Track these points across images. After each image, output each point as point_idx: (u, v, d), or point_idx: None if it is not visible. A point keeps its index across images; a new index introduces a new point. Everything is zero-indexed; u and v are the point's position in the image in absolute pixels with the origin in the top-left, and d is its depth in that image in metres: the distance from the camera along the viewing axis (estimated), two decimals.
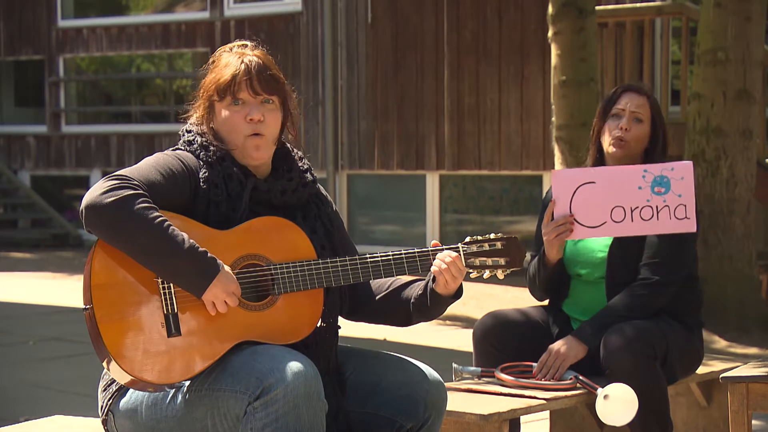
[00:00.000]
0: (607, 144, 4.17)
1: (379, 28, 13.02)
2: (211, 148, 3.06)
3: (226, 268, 2.91)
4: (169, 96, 15.86)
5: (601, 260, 4.12)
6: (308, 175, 3.18)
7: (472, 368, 4.07)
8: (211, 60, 3.17)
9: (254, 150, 3.05)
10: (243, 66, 3.05)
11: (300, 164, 3.18)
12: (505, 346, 4.12)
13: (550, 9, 8.52)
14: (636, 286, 4.05)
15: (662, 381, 3.96)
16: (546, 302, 4.32)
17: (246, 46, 3.14)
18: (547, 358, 4.01)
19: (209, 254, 2.88)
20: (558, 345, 4.02)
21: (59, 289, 10.91)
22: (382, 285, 3.24)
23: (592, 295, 4.16)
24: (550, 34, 8.56)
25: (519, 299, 9.43)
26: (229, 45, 3.17)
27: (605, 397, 3.75)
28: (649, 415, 3.89)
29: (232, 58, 3.08)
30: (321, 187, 3.26)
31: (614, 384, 3.77)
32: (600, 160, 4.21)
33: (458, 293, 3.13)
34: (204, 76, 3.15)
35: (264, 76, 3.06)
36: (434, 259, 3.10)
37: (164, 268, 2.86)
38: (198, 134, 3.10)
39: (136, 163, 3.01)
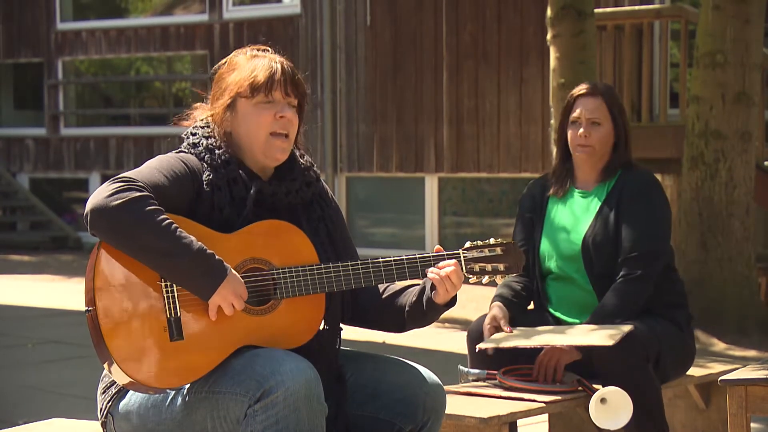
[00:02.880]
0: (572, 149, 4.27)
1: (378, 30, 13.03)
2: (217, 151, 3.05)
3: (233, 271, 2.91)
4: (168, 98, 15.86)
5: (575, 254, 4.15)
6: (311, 173, 3.18)
7: (477, 371, 4.07)
8: (224, 62, 3.14)
9: (280, 152, 3.06)
10: (279, 67, 3.06)
11: (302, 162, 3.18)
12: (497, 331, 4.14)
13: (549, 11, 8.52)
14: (621, 285, 4.08)
15: (656, 383, 3.97)
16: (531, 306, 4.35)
17: (267, 50, 3.14)
18: (542, 359, 4.02)
19: (217, 257, 2.88)
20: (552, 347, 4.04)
21: (58, 292, 10.90)
22: (377, 292, 3.24)
23: (570, 292, 4.20)
24: (549, 36, 8.56)
25: None
26: (245, 49, 3.16)
27: (601, 400, 3.75)
28: (644, 417, 3.89)
29: (261, 60, 3.08)
30: (326, 186, 3.26)
31: (609, 387, 3.77)
32: (566, 158, 4.27)
33: (452, 301, 3.13)
34: (217, 78, 3.12)
35: (295, 79, 3.09)
36: (435, 264, 3.10)
37: (172, 271, 2.86)
38: (204, 137, 3.09)
39: (136, 166, 3.01)
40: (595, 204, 4.21)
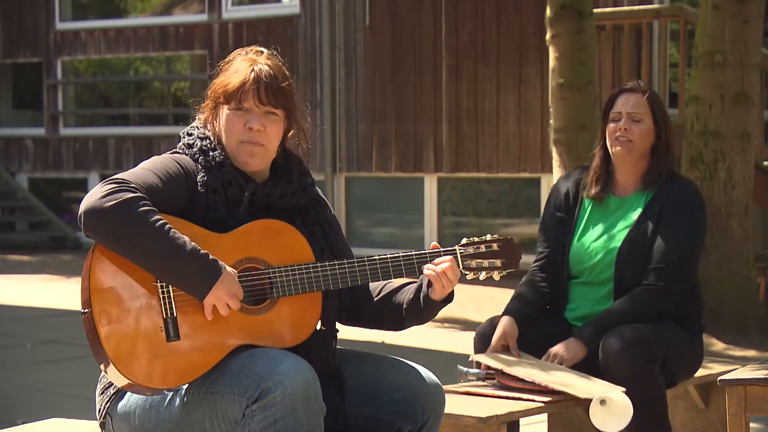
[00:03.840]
0: (610, 145, 4.19)
1: (377, 30, 13.02)
2: (211, 153, 3.05)
3: (229, 269, 2.90)
4: (167, 98, 15.85)
5: (609, 261, 4.13)
6: (307, 178, 3.18)
7: (477, 370, 4.08)
8: (225, 61, 3.15)
9: (248, 156, 3.05)
10: (253, 74, 3.03)
11: (299, 168, 3.18)
12: (505, 350, 4.13)
13: (548, 12, 8.52)
14: (640, 292, 4.05)
15: (661, 384, 3.96)
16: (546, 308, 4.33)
17: (261, 53, 3.12)
18: (547, 360, 4.02)
19: (211, 257, 2.88)
20: (557, 348, 4.03)
21: (57, 292, 10.90)
22: (373, 290, 3.24)
23: (594, 299, 4.17)
24: (548, 36, 8.56)
25: None
26: (246, 49, 3.15)
27: (602, 402, 3.74)
28: (647, 418, 3.89)
29: (244, 64, 3.07)
30: (319, 190, 3.26)
31: (611, 389, 3.77)
32: (606, 160, 4.23)
33: (449, 297, 3.13)
34: (216, 76, 3.13)
35: (272, 87, 3.04)
36: (431, 260, 3.10)
37: (166, 271, 2.86)
38: (199, 138, 3.09)
39: (135, 166, 3.01)
40: (633, 213, 4.16)
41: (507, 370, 3.93)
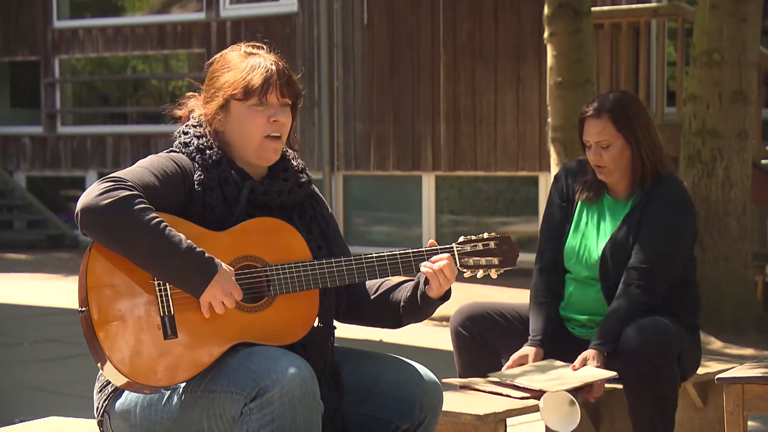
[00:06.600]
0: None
1: (375, 29, 13.02)
2: (208, 151, 3.05)
3: (225, 266, 2.90)
4: (164, 97, 15.84)
5: (594, 262, 4.14)
6: (303, 174, 3.19)
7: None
8: (218, 57, 3.13)
9: (272, 153, 3.06)
10: (274, 69, 3.05)
11: (295, 164, 3.18)
12: (479, 327, 4.16)
13: (546, 10, 8.52)
14: (630, 290, 4.05)
15: (677, 380, 3.95)
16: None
17: (262, 48, 3.13)
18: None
19: (207, 254, 2.88)
20: (590, 361, 3.99)
21: (55, 291, 10.90)
22: (371, 287, 3.24)
23: (584, 296, 4.19)
24: (546, 35, 8.56)
25: (515, 301, 9.41)
26: (240, 45, 3.14)
27: (571, 403, 3.70)
28: (656, 412, 3.87)
29: (256, 60, 3.06)
30: (315, 188, 3.26)
31: (560, 392, 3.74)
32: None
33: (447, 295, 3.13)
34: (214, 74, 3.11)
35: (290, 80, 3.07)
36: (428, 258, 3.10)
37: (162, 269, 2.86)
38: (195, 136, 3.09)
39: (132, 164, 3.01)
40: (620, 215, 4.18)
41: (495, 389, 3.92)
